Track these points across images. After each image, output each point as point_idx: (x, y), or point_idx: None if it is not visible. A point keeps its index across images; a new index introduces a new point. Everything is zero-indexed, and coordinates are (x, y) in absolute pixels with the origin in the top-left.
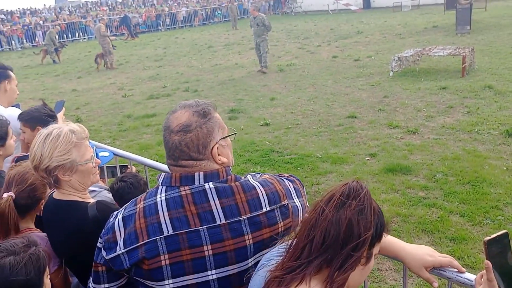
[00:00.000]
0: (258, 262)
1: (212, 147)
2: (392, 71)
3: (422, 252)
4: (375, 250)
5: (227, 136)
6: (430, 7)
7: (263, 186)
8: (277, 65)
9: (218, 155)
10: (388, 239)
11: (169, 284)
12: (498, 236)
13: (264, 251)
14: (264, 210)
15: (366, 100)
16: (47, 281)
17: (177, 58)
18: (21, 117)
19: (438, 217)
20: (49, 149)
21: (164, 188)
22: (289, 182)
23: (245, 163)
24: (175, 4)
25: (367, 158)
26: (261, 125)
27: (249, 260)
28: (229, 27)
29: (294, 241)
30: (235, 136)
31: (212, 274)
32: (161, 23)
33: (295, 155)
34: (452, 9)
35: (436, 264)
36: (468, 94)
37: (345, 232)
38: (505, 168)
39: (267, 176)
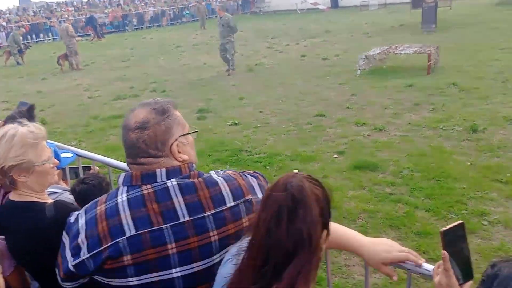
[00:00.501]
0: (222, 259)
1: (171, 144)
2: (360, 69)
3: (380, 248)
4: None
5: (187, 134)
6: (396, 6)
7: (226, 182)
8: (246, 65)
9: (179, 152)
10: (348, 234)
11: (132, 281)
12: (454, 226)
13: (229, 247)
14: (228, 205)
15: (334, 99)
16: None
17: (144, 58)
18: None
19: (404, 213)
20: (4, 150)
21: (125, 188)
22: (253, 178)
23: (214, 163)
24: (142, 4)
25: (335, 156)
26: (230, 125)
27: (214, 257)
28: (198, 27)
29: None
30: (202, 136)
31: (176, 272)
32: (128, 23)
33: (264, 154)
34: (418, 8)
35: (393, 260)
36: (434, 92)
37: (296, 242)
38: (468, 164)
39: (230, 172)
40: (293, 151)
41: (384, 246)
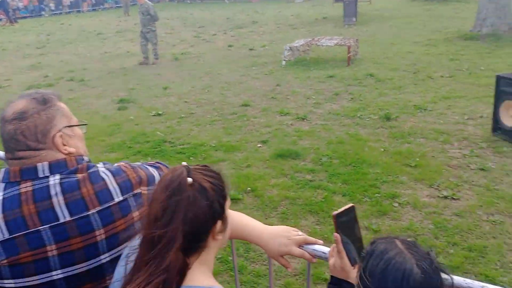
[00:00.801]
0: (115, 258)
1: (54, 135)
2: (285, 60)
3: (277, 242)
4: (226, 210)
5: (74, 126)
6: (320, 0)
7: (114, 175)
8: (171, 54)
9: (63, 145)
10: (250, 225)
11: (9, 284)
12: (345, 209)
13: (120, 247)
14: (116, 200)
15: (259, 89)
16: None
17: (62, 45)
18: None
19: (323, 198)
20: None
21: (3, 185)
22: (154, 169)
23: (135, 155)
24: None
25: (259, 145)
26: (153, 115)
27: (102, 256)
28: (121, 14)
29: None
30: (123, 127)
31: (57, 274)
32: (45, 8)
33: (188, 144)
34: (340, 1)
35: (290, 254)
36: (352, 82)
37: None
38: (382, 150)
39: (123, 164)
40: (217, 141)
41: (281, 239)
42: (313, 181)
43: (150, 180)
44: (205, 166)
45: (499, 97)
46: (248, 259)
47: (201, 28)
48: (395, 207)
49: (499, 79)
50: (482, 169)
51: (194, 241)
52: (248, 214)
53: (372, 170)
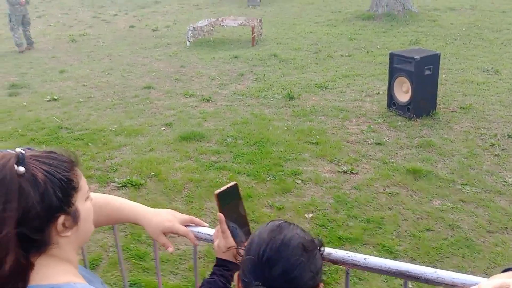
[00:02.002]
0: None
1: None
2: (189, 41)
3: (161, 218)
4: (78, 203)
5: None
6: None
7: None
8: (68, 35)
9: None
10: (126, 207)
11: None
12: (228, 188)
13: None
14: None
15: (163, 70)
16: None
17: None
18: None
19: (227, 179)
20: None
21: None
22: None
23: (29, 143)
24: None
25: (162, 128)
26: (48, 101)
27: None
28: None
29: None
30: (15, 114)
31: None
32: None
33: (87, 130)
34: None
35: (174, 230)
36: (257, 63)
37: None
38: (285, 128)
39: None
40: (119, 125)
41: (166, 215)
42: (218, 163)
43: None
44: (51, 152)
45: (392, 74)
46: (151, 245)
47: (100, 8)
48: (297, 184)
49: (392, 56)
50: (378, 144)
51: (30, 240)
52: (151, 199)
53: (276, 149)
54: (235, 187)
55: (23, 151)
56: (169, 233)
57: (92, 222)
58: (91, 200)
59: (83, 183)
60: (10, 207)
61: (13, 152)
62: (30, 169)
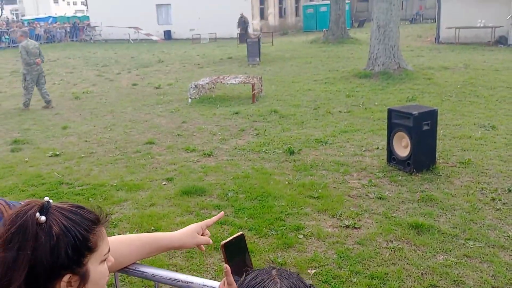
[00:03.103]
0: None
1: None
2: (191, 98)
3: (187, 228)
4: (91, 265)
5: None
6: (225, 41)
7: None
8: (72, 93)
9: None
10: (156, 237)
11: None
12: (234, 238)
13: None
14: None
15: (165, 126)
16: None
17: None
18: None
19: (229, 234)
20: None
21: None
22: (11, 206)
23: (29, 198)
24: None
25: (164, 183)
26: (49, 156)
27: None
28: (18, 53)
29: None
30: (15, 170)
31: None
32: None
33: (87, 185)
34: (244, 43)
35: (203, 224)
36: (257, 118)
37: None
38: (286, 182)
39: None
40: (119, 180)
41: (189, 226)
42: (217, 225)
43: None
44: (79, 207)
45: (391, 129)
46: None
47: (104, 67)
48: (300, 238)
49: (390, 112)
50: (380, 198)
51: None
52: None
53: (278, 203)
54: (241, 237)
55: (50, 201)
56: (201, 229)
57: (105, 286)
58: (110, 262)
59: (103, 245)
60: (23, 256)
61: (41, 200)
62: (49, 219)
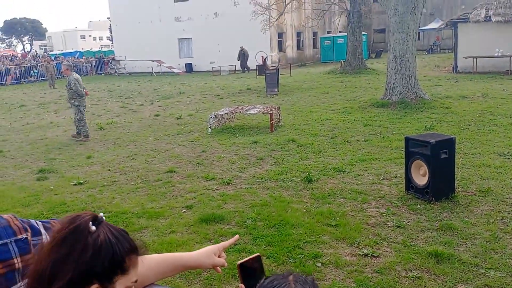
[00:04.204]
0: None
1: None
2: (210, 128)
3: (204, 249)
4: (118, 285)
5: None
6: (245, 73)
7: None
8: (96, 124)
9: None
10: (174, 256)
11: None
12: (250, 259)
13: None
14: None
15: (185, 155)
16: None
17: None
18: None
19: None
20: None
21: None
22: (38, 222)
23: None
24: None
25: (183, 211)
26: (74, 185)
27: None
28: (46, 86)
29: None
30: (41, 198)
31: None
32: None
33: (110, 213)
34: (262, 74)
35: (220, 246)
36: (276, 147)
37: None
38: (304, 211)
39: (5, 215)
40: (141, 208)
41: (206, 248)
42: (238, 244)
43: (34, 231)
44: (124, 230)
45: (409, 158)
46: None
47: (128, 99)
48: (318, 267)
49: (407, 140)
50: (398, 226)
51: None
52: (170, 282)
53: (295, 231)
54: (258, 258)
55: (103, 217)
56: (218, 251)
57: None
58: None
59: (133, 272)
60: (73, 256)
61: (96, 213)
62: (99, 230)
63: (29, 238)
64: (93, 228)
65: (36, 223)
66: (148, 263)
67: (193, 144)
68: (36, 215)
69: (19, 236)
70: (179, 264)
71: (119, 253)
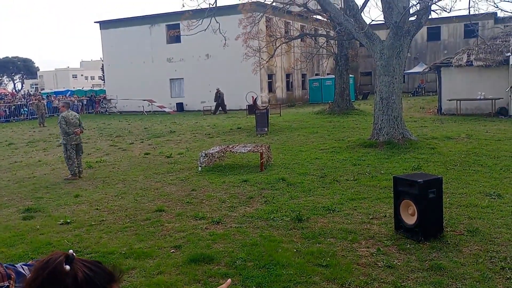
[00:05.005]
0: None
1: None
2: (201, 166)
3: None
4: None
5: None
6: (235, 112)
7: None
8: (85, 162)
9: None
10: None
11: None
12: None
13: None
14: None
15: (175, 194)
16: None
17: None
18: None
19: None
20: None
21: None
22: (24, 266)
23: None
24: None
25: (172, 251)
26: (60, 224)
27: None
28: (36, 125)
29: None
30: (26, 238)
31: None
32: None
33: (97, 253)
34: (253, 114)
35: None
36: (266, 186)
37: None
38: (295, 250)
39: None
40: (128, 248)
41: None
42: None
43: (19, 276)
44: (98, 262)
45: (397, 197)
46: None
47: (118, 137)
48: None
49: (395, 180)
50: (389, 266)
51: None
52: None
53: (286, 271)
54: None
55: (74, 254)
56: None
57: None
58: None
59: None
60: None
61: (66, 252)
62: (74, 268)
63: (11, 285)
64: (67, 267)
65: (22, 267)
66: None
67: (183, 183)
68: (20, 255)
69: (1, 284)
70: None
71: (100, 285)
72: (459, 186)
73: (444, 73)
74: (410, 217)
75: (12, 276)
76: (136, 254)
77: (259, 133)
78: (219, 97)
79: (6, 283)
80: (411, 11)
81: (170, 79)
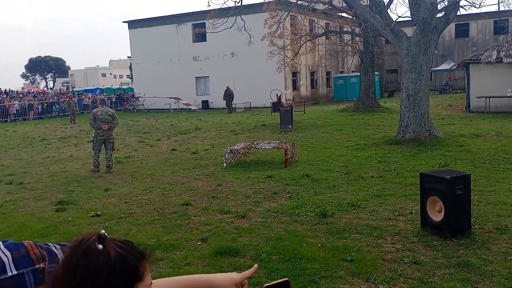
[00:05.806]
0: None
1: None
2: (226, 162)
3: (228, 274)
4: None
5: None
6: (259, 110)
7: (11, 250)
8: (115, 157)
9: None
10: (197, 277)
11: None
12: (278, 283)
13: None
14: (9, 274)
15: (201, 189)
16: None
17: (3, 150)
18: None
19: None
20: None
21: None
22: (57, 245)
23: None
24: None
25: (198, 243)
26: (91, 216)
27: None
28: (67, 121)
29: None
30: (59, 229)
31: None
32: None
33: None
34: (277, 111)
35: (243, 276)
36: (290, 182)
37: None
38: (319, 245)
39: (26, 242)
40: (156, 240)
41: (231, 274)
42: (252, 278)
43: (52, 257)
44: (128, 241)
45: (424, 194)
46: None
47: (145, 134)
48: None
49: (422, 176)
50: (415, 263)
51: None
52: None
53: (311, 265)
54: (286, 283)
55: (106, 233)
56: (239, 282)
57: None
58: None
59: (147, 277)
60: (88, 284)
61: (98, 232)
62: (107, 247)
63: (46, 267)
64: (100, 246)
65: (55, 246)
66: (172, 283)
67: (209, 178)
68: None
69: (37, 266)
70: (202, 284)
71: (132, 263)
72: (488, 183)
73: (473, 70)
74: (437, 214)
75: (46, 257)
76: (164, 246)
77: (283, 130)
78: (229, 95)
79: (42, 265)
80: (439, 7)
81: (196, 77)
